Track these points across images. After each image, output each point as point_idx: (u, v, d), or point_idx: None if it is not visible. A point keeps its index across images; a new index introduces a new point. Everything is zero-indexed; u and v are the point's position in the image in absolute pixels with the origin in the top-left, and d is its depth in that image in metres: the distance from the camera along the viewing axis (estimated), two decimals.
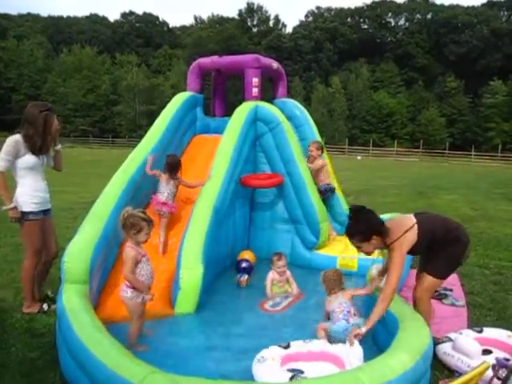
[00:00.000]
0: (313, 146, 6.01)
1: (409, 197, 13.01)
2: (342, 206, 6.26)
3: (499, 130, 52.22)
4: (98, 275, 3.87)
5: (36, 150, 4.02)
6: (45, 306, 4.19)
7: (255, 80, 5.80)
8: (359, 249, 3.40)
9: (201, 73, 6.31)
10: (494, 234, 8.15)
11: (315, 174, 5.89)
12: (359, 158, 40.81)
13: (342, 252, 5.31)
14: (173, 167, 4.80)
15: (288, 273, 4.53)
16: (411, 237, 3.29)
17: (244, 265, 4.94)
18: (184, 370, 2.50)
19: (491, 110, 53.33)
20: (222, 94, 6.76)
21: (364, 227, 3.28)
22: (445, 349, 3.33)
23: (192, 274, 3.84)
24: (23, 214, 4.03)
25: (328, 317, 3.43)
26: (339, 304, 3.33)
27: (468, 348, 3.19)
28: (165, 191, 4.78)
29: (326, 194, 6.00)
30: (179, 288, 3.83)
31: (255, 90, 5.82)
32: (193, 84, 6.23)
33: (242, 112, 5.52)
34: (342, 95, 56.38)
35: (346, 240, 5.82)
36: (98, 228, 3.90)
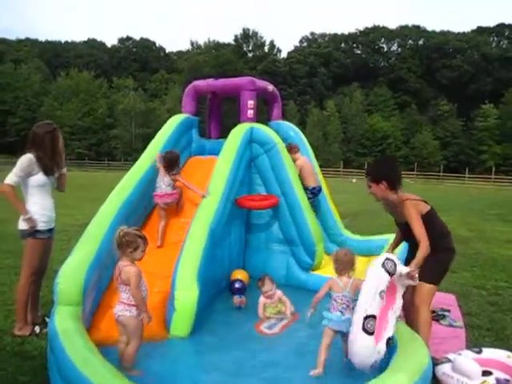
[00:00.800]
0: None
1: None
2: (339, 227, 6.25)
3: (492, 152, 52.89)
4: (92, 296, 3.81)
5: (48, 170, 4.11)
6: (36, 329, 4.13)
7: (251, 102, 5.85)
8: (369, 188, 3.71)
9: (196, 95, 6.37)
10: (491, 254, 8.15)
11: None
12: (354, 180, 40.88)
13: None
14: (170, 163, 5.04)
15: (279, 292, 4.46)
16: (424, 209, 3.59)
17: (237, 285, 4.91)
18: None
19: (483, 132, 54.11)
20: (217, 117, 6.82)
21: (378, 170, 3.75)
22: (444, 369, 3.29)
23: (187, 296, 3.79)
24: (30, 231, 4.03)
25: (323, 293, 3.34)
26: (343, 296, 3.23)
27: (468, 369, 3.15)
28: (162, 185, 5.02)
29: (310, 197, 5.89)
30: (174, 310, 3.78)
31: (251, 112, 5.86)
32: (188, 106, 6.28)
33: (238, 134, 5.55)
34: (337, 118, 57.02)
35: None
36: (92, 249, 3.87)
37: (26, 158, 4.02)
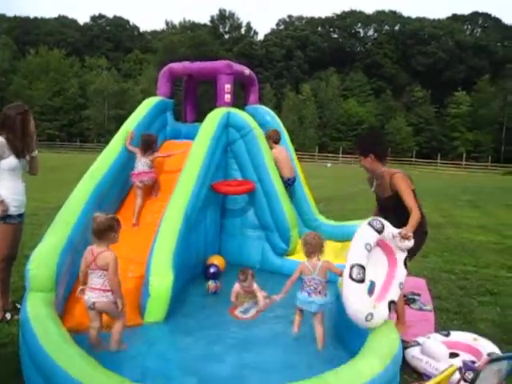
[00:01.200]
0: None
1: None
2: (313, 212, 6.30)
3: (463, 139, 54.05)
4: (65, 282, 3.75)
5: (19, 152, 4.00)
6: (7, 315, 4.06)
7: (228, 86, 5.79)
8: (360, 161, 3.95)
9: (172, 78, 6.26)
10: (460, 240, 8.38)
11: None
12: (329, 165, 41.29)
13: None
14: (147, 145, 5.18)
15: (255, 286, 4.29)
16: (411, 185, 3.76)
17: (212, 270, 4.92)
18: (153, 380, 2.45)
19: (456, 119, 55.18)
20: (193, 100, 6.72)
21: (365, 143, 4.01)
22: (413, 352, 3.39)
23: (162, 281, 3.77)
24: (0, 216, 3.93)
25: (295, 277, 3.44)
26: (312, 279, 3.34)
27: (436, 351, 3.26)
28: (139, 165, 5.12)
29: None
30: (148, 295, 3.76)
31: (227, 97, 5.80)
32: (163, 88, 6.17)
33: (214, 118, 5.49)
34: (313, 103, 57.09)
35: None
36: (64, 234, 3.80)
37: None
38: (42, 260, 3.49)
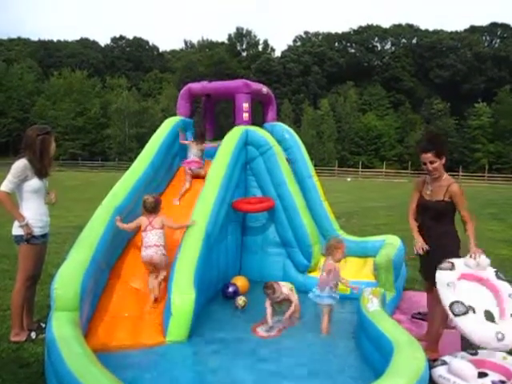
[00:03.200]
0: None
1: (400, 218, 13.03)
2: (334, 228, 6.24)
3: (485, 150, 53.17)
4: (89, 301, 3.79)
5: (41, 173, 4.08)
6: (33, 335, 4.11)
7: (245, 105, 5.86)
8: (431, 164, 3.83)
9: (191, 98, 6.37)
10: (486, 254, 8.16)
11: None
12: (349, 179, 41.03)
13: None
14: (202, 134, 6.12)
15: (285, 291, 4.22)
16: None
17: (231, 289, 4.92)
18: None
19: (477, 131, 54.37)
20: (211, 119, 6.81)
21: (442, 144, 4.02)
22: (440, 372, 3.30)
23: (184, 299, 3.78)
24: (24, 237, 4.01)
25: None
26: (320, 276, 4.05)
27: (463, 371, 3.16)
28: (191, 155, 5.87)
29: None
30: (171, 314, 3.77)
31: (245, 115, 5.87)
32: (182, 108, 6.28)
33: (233, 136, 5.56)
34: (331, 117, 57.08)
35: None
36: (88, 253, 3.85)
37: (21, 163, 3.99)
38: (67, 279, 3.54)
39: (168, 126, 5.87)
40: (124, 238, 4.70)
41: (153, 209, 4.29)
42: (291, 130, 6.69)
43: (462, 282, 3.35)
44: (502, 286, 3.39)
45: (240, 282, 5.13)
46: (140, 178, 5.00)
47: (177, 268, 4.06)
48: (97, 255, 3.91)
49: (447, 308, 3.21)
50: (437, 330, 3.89)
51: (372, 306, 3.69)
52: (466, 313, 3.09)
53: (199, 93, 6.41)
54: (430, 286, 3.98)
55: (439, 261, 3.84)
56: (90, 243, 3.99)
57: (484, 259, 3.48)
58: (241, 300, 4.66)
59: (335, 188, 23.56)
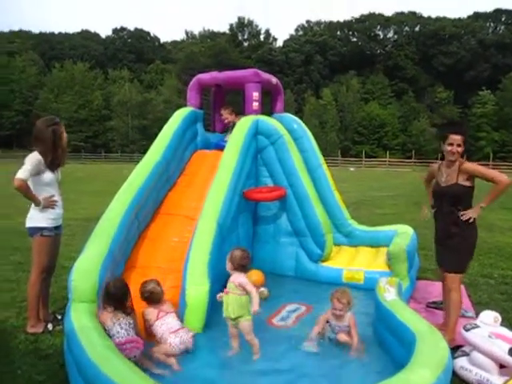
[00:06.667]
0: (224, 112, 6.21)
1: (406, 207, 13.01)
2: (346, 217, 6.21)
3: (490, 139, 52.87)
4: None
5: (53, 165, 4.07)
6: (49, 326, 4.11)
7: (255, 94, 5.80)
8: (459, 147, 3.83)
9: (201, 88, 6.30)
10: (495, 243, 8.15)
11: None
12: (352, 169, 40.96)
13: (347, 264, 5.26)
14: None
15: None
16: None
17: None
18: None
19: (481, 119, 54.03)
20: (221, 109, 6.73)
21: (467, 129, 4.04)
22: (461, 363, 3.27)
23: (199, 290, 3.78)
24: (37, 229, 4.01)
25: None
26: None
27: (485, 362, 3.13)
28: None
29: None
30: (186, 305, 3.77)
31: (255, 104, 5.81)
32: (193, 100, 6.21)
33: (243, 126, 5.50)
34: (334, 107, 56.81)
35: (351, 252, 5.81)
36: (105, 245, 3.83)
37: (34, 157, 3.96)
38: (85, 271, 3.52)
39: (179, 117, 5.78)
40: (139, 228, 4.68)
41: (159, 299, 3.68)
42: (299, 120, 6.65)
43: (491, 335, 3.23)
44: None
45: (255, 276, 4.85)
46: (153, 170, 4.96)
47: (191, 259, 4.05)
48: (114, 246, 3.90)
49: (503, 356, 3.08)
50: (454, 318, 3.88)
51: (389, 295, 3.67)
52: None
53: (209, 83, 6.34)
54: (444, 273, 4.03)
55: (456, 247, 3.85)
56: (107, 234, 3.97)
57: (497, 316, 3.38)
58: (266, 291, 4.66)
59: (339, 178, 23.34)
